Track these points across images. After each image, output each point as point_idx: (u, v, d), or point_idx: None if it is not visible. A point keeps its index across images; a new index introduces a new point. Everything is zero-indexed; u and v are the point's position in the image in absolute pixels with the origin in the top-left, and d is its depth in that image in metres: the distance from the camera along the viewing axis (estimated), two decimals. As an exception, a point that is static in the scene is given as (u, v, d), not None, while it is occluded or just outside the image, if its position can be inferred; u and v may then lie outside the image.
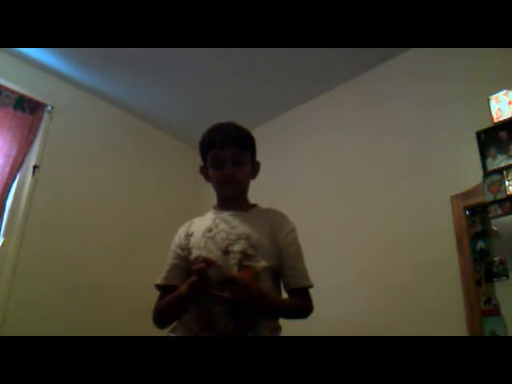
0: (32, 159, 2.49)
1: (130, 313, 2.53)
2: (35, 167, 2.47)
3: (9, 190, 2.35)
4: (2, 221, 2.29)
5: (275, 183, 2.88)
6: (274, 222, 1.25)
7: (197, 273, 1.06)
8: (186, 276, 1.20)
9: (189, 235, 1.25)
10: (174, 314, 1.18)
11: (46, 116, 2.58)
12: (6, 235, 2.30)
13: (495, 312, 1.73)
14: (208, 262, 1.06)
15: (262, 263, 1.15)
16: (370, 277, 2.19)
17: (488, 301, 1.77)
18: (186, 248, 1.23)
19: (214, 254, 1.14)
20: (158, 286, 1.25)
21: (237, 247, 1.14)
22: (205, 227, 1.23)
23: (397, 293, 2.06)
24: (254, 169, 1.33)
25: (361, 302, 2.17)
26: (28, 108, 2.51)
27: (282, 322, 1.22)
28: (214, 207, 1.32)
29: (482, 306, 1.77)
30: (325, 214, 2.53)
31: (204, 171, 1.32)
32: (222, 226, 1.21)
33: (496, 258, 1.81)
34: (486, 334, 1.71)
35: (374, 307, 2.11)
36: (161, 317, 1.21)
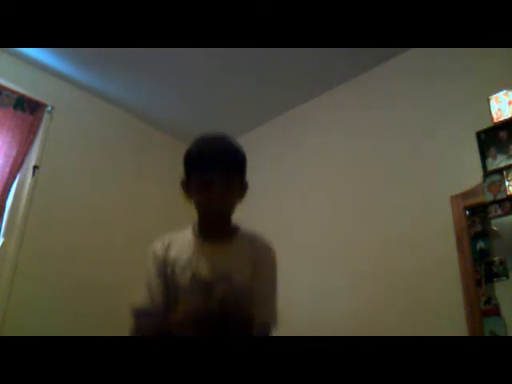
0: (32, 159, 2.49)
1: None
2: (35, 167, 2.47)
3: (9, 190, 2.35)
4: (1, 221, 2.29)
5: (275, 183, 2.89)
6: (257, 256, 1.19)
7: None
8: (166, 291, 1.15)
9: (168, 251, 1.19)
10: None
11: (45, 116, 2.58)
12: (5, 235, 2.30)
13: (495, 312, 1.73)
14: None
15: (245, 305, 1.12)
16: (370, 277, 2.19)
17: (488, 301, 1.77)
18: (168, 265, 1.17)
19: (196, 293, 1.10)
20: (139, 310, 1.14)
21: (219, 294, 1.10)
22: (185, 259, 1.16)
23: (397, 293, 2.06)
24: (242, 190, 1.24)
25: (361, 302, 2.17)
26: (28, 108, 2.51)
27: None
28: (194, 229, 1.23)
29: (482, 306, 1.77)
30: (325, 214, 2.53)
31: (186, 187, 1.21)
32: (203, 263, 1.14)
33: (496, 258, 1.81)
34: (486, 334, 1.71)
35: (374, 307, 2.11)
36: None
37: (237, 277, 1.12)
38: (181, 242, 1.21)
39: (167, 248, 1.19)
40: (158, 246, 1.21)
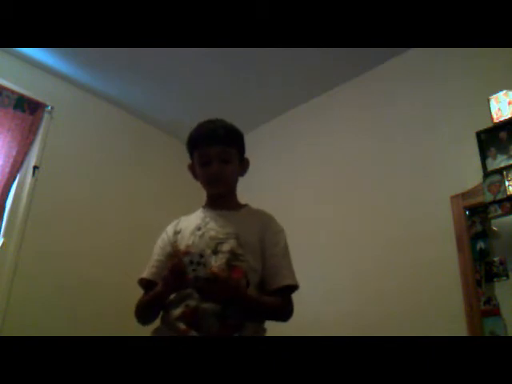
0: (32, 159, 2.49)
1: (132, 312, 2.53)
2: (35, 167, 2.47)
3: (9, 190, 2.35)
4: (2, 221, 2.29)
5: (275, 183, 2.89)
6: (263, 223, 1.25)
7: (171, 268, 1.05)
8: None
9: (177, 233, 1.25)
10: (153, 310, 1.19)
11: (45, 116, 2.58)
12: (5, 235, 2.30)
13: (495, 312, 1.73)
14: (182, 253, 1.07)
15: (251, 263, 1.14)
16: (370, 277, 2.19)
17: (488, 301, 1.77)
18: (174, 246, 1.22)
19: (205, 249, 1.12)
20: (143, 281, 1.23)
21: (226, 247, 1.14)
22: (193, 226, 1.22)
23: (396, 293, 2.06)
24: (243, 166, 1.31)
25: (361, 303, 2.17)
26: (28, 108, 2.51)
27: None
28: (204, 206, 1.31)
29: (482, 306, 1.77)
30: (325, 214, 2.53)
31: (192, 169, 1.31)
32: (212, 224, 1.20)
33: (496, 258, 1.81)
34: (486, 334, 1.71)
35: (374, 307, 2.11)
36: (141, 313, 1.21)
37: (244, 235, 1.17)
38: (191, 217, 1.30)
39: (176, 224, 1.29)
40: (169, 227, 1.31)
